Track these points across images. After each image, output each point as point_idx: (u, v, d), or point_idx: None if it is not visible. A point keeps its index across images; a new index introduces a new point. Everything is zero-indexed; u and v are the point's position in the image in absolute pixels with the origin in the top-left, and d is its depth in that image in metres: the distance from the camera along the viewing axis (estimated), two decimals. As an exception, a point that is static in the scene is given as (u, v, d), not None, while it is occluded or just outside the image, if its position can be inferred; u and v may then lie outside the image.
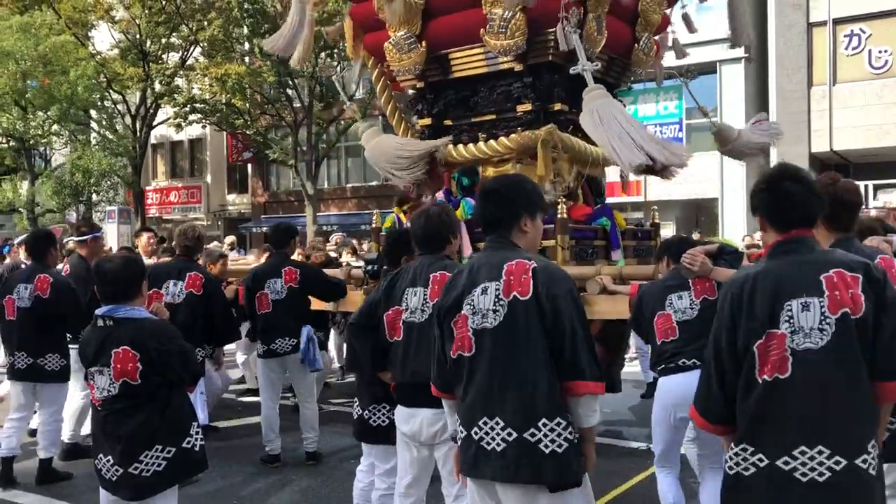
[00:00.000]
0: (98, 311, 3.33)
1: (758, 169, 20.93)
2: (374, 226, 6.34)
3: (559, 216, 5.52)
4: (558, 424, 2.50)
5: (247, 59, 24.32)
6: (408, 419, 3.33)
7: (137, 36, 24.41)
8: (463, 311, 2.64)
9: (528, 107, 6.01)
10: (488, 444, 2.53)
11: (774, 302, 2.36)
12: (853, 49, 19.76)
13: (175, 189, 32.25)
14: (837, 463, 2.27)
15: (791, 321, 2.34)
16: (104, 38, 25.77)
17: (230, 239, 12.32)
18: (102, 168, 25.58)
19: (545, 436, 2.48)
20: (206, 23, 23.47)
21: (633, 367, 8.27)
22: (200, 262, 5.87)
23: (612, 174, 7.16)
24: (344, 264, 6.88)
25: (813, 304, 2.33)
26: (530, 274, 2.55)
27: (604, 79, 6.37)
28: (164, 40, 24.88)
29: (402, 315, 3.39)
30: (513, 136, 5.95)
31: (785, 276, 2.39)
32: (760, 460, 2.36)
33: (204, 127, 27.66)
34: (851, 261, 2.40)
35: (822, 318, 2.32)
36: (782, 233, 2.48)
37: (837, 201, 2.98)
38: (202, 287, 5.24)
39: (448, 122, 6.41)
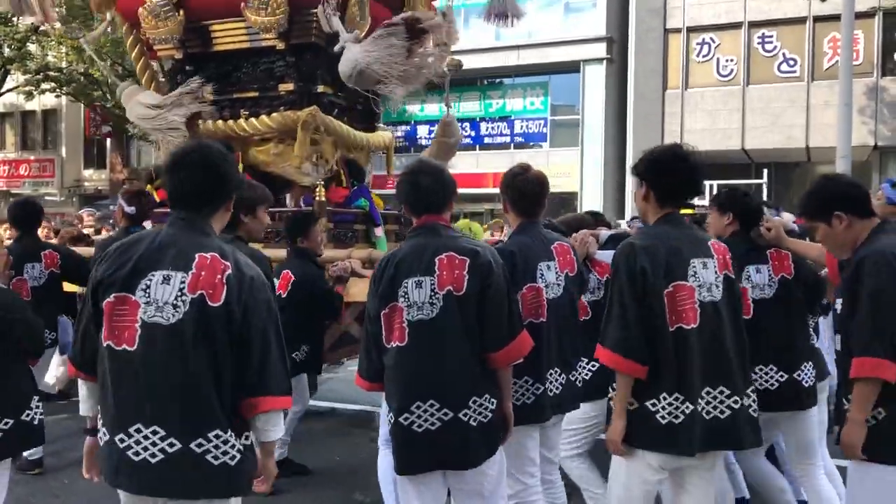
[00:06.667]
0: None
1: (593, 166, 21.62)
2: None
3: (317, 199, 5.54)
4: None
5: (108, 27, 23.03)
6: None
7: (-16, -4, 22.70)
8: (134, 297, 2.20)
9: (290, 87, 5.88)
10: (138, 453, 2.19)
11: (395, 280, 2.69)
12: (704, 57, 20.68)
13: (26, 162, 30.20)
14: (446, 414, 2.62)
15: (406, 296, 2.67)
16: (-54, -4, 23.85)
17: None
18: (-57, 137, 23.74)
19: (216, 447, 2.21)
20: (62, -15, 22.06)
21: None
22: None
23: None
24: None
25: (425, 283, 2.66)
26: (224, 280, 2.21)
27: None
28: (14, 2, 23.24)
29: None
30: (274, 115, 5.83)
31: (407, 257, 2.72)
32: (393, 412, 2.68)
33: (58, 97, 26.05)
34: (462, 247, 2.73)
35: (432, 293, 2.66)
36: (417, 218, 2.84)
37: (517, 190, 3.21)
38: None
39: (209, 96, 6.13)
